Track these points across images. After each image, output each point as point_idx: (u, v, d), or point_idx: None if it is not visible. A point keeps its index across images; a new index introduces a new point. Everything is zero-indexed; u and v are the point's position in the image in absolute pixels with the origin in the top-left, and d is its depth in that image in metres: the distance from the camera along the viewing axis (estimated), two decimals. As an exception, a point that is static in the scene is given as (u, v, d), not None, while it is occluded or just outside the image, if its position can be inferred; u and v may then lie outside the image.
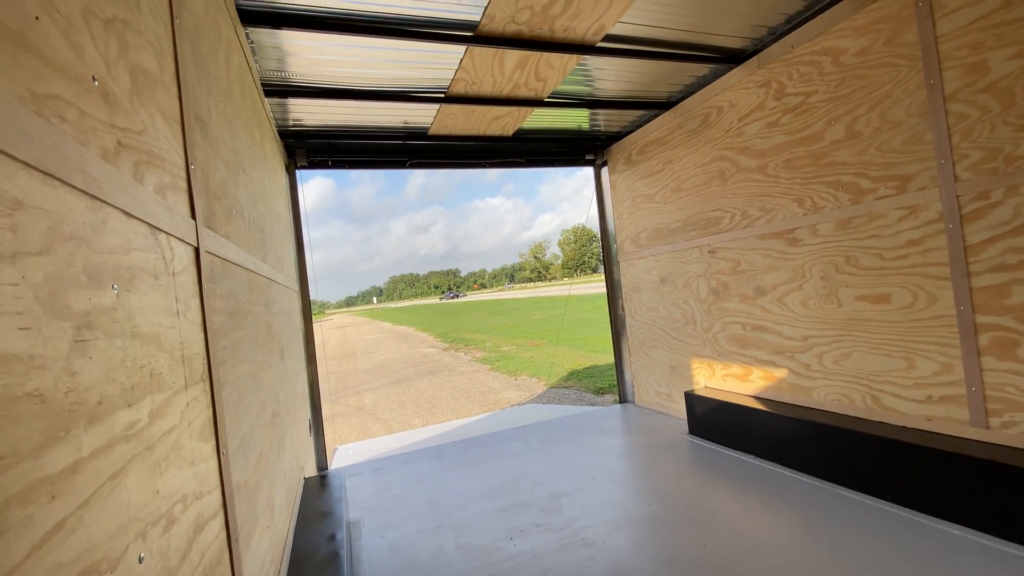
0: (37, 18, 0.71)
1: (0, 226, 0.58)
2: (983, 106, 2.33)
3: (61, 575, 0.62)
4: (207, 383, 1.31)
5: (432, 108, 3.94)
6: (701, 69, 3.82)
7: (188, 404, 1.16)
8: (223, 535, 1.33)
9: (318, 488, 3.33)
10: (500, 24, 2.85)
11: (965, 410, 2.53)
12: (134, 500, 0.84)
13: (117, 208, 0.89)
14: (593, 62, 3.49)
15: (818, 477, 3.09)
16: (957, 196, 2.46)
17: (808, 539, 2.47)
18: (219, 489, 1.33)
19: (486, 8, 2.68)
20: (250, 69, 2.71)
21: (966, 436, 2.53)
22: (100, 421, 0.76)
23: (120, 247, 0.89)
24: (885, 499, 2.71)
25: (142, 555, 0.84)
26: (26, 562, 0.56)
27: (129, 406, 0.86)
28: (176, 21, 1.38)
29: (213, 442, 1.32)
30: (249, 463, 1.72)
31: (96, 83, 0.87)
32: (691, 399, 4.21)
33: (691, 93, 4.18)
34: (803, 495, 2.92)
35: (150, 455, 0.92)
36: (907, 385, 2.80)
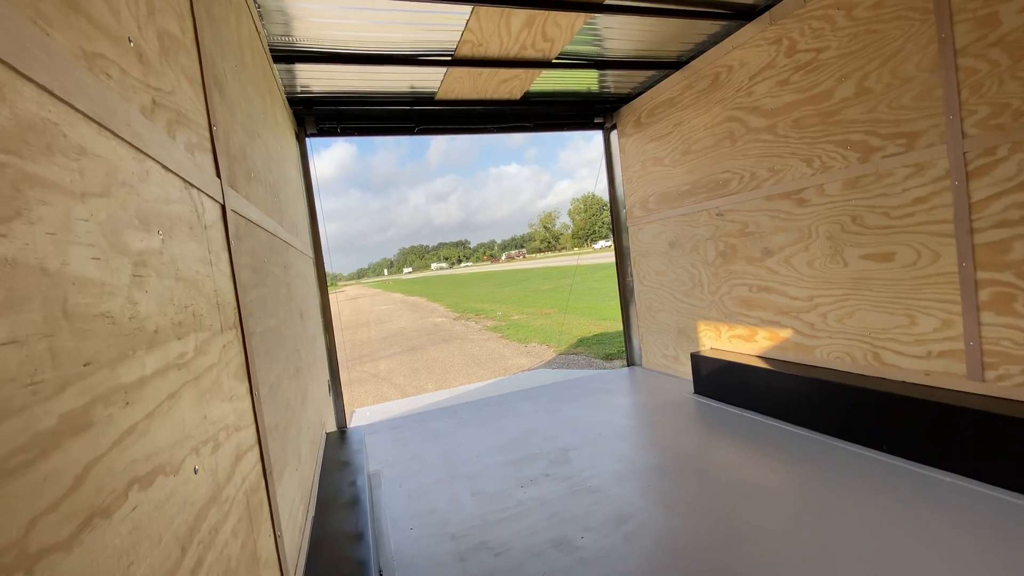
0: None
1: (71, 168, 0.67)
2: (993, 60, 2.31)
3: (137, 469, 0.73)
4: (239, 330, 1.42)
5: (439, 72, 3.94)
6: (712, 27, 3.76)
7: (224, 346, 1.27)
8: (259, 467, 1.46)
9: (339, 442, 3.51)
10: (506, -17, 2.83)
11: (962, 364, 2.60)
12: (187, 420, 0.95)
13: (157, 162, 0.98)
14: (602, 20, 3.45)
15: (819, 431, 3.20)
16: (964, 152, 2.46)
17: (805, 486, 2.60)
18: (254, 426, 1.46)
19: (492, -33, 2.66)
20: (259, 34, 2.74)
21: (963, 389, 2.61)
22: (157, 347, 0.86)
23: (162, 197, 0.98)
24: (882, 450, 2.82)
25: (196, 467, 0.96)
26: (110, 452, 0.67)
27: (178, 339, 0.96)
28: (193, -15, 1.43)
29: (247, 384, 1.44)
30: (278, 408, 1.86)
31: (131, 44, 0.94)
32: (697, 360, 4.31)
33: (702, 52, 4.12)
34: (803, 448, 3.04)
35: (197, 384, 1.03)
36: (908, 342, 2.86)
